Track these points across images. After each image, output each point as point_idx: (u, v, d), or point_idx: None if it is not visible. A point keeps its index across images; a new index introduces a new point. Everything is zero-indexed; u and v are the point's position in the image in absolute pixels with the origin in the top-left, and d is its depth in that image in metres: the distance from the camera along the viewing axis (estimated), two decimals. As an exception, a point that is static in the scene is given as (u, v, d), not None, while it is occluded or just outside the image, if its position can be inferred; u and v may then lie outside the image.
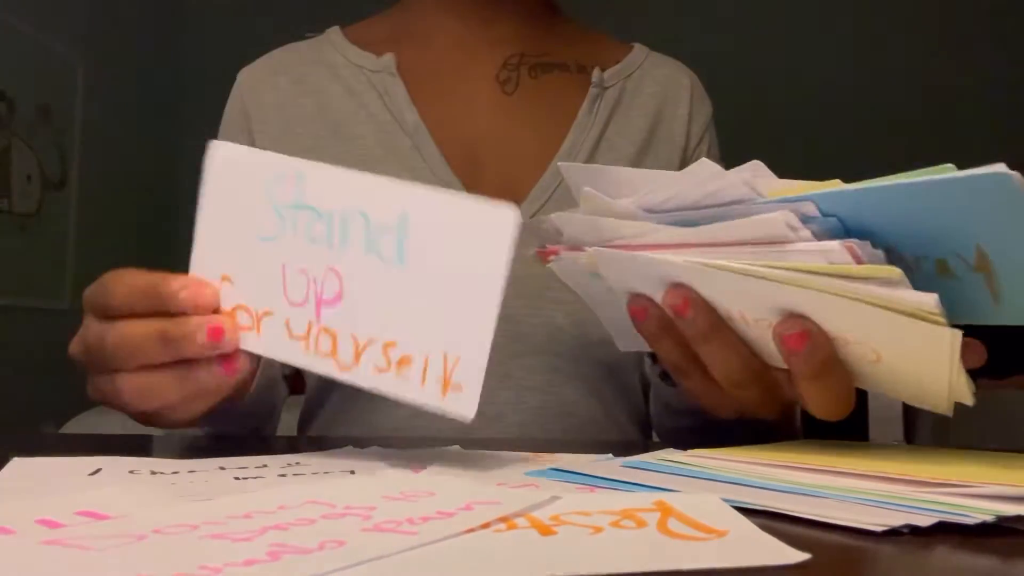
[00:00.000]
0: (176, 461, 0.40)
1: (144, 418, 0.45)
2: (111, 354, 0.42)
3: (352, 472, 0.38)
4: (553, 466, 0.39)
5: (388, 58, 0.73)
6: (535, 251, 0.47)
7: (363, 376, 0.39)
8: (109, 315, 0.43)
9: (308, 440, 0.67)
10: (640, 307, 0.43)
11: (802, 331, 0.37)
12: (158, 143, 3.16)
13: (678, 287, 0.41)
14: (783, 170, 0.40)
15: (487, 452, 0.44)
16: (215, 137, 0.76)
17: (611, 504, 0.30)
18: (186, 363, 0.41)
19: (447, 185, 0.68)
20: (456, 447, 0.46)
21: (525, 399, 0.66)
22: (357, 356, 0.39)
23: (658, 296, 0.42)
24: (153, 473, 0.38)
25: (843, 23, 2.92)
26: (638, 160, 0.74)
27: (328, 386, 0.68)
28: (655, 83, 0.78)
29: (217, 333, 0.40)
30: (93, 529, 0.26)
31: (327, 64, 0.75)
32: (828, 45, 2.91)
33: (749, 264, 0.37)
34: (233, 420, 0.56)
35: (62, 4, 2.64)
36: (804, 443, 0.45)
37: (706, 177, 0.39)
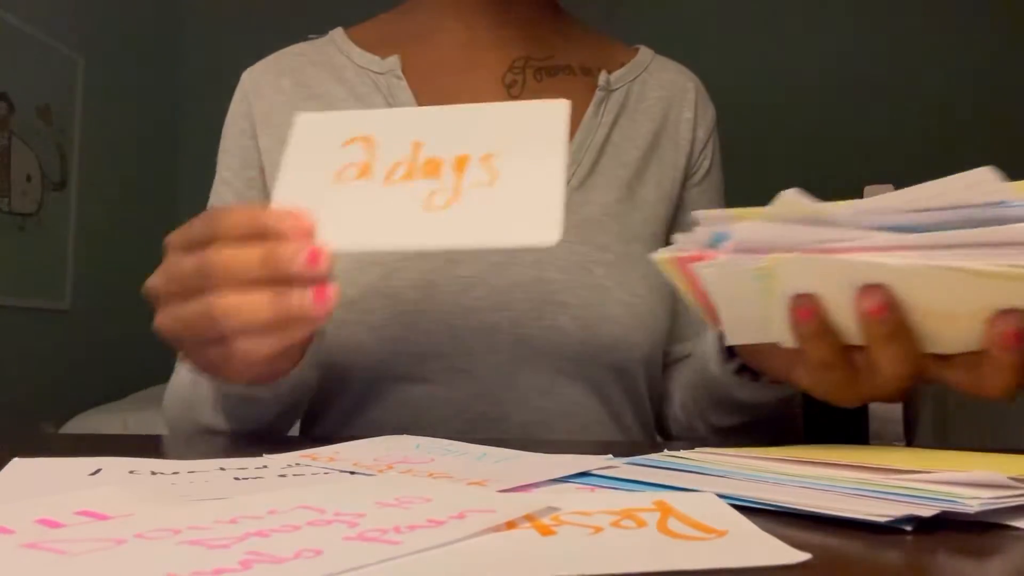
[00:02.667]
0: (176, 462, 0.40)
1: (224, 352, 0.45)
2: (209, 273, 0.43)
3: (352, 472, 0.38)
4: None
5: (393, 60, 0.73)
6: (677, 256, 0.45)
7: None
8: (206, 245, 0.44)
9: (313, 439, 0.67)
10: (807, 308, 0.42)
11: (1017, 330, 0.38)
12: (158, 143, 3.16)
13: (874, 289, 0.40)
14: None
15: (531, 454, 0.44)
16: (215, 137, 0.76)
17: (611, 504, 0.30)
18: (283, 284, 0.43)
19: None
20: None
21: (529, 400, 0.66)
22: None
23: (839, 299, 0.41)
24: (153, 473, 0.38)
25: (843, 22, 2.92)
26: (643, 163, 0.74)
27: (337, 388, 0.67)
28: (660, 87, 0.77)
29: (316, 256, 0.42)
30: (81, 531, 0.26)
31: (331, 66, 0.74)
32: (827, 45, 2.91)
33: (1003, 265, 0.36)
34: (269, 404, 0.56)
35: (62, 4, 2.64)
36: (804, 445, 0.45)
37: (963, 185, 0.37)
